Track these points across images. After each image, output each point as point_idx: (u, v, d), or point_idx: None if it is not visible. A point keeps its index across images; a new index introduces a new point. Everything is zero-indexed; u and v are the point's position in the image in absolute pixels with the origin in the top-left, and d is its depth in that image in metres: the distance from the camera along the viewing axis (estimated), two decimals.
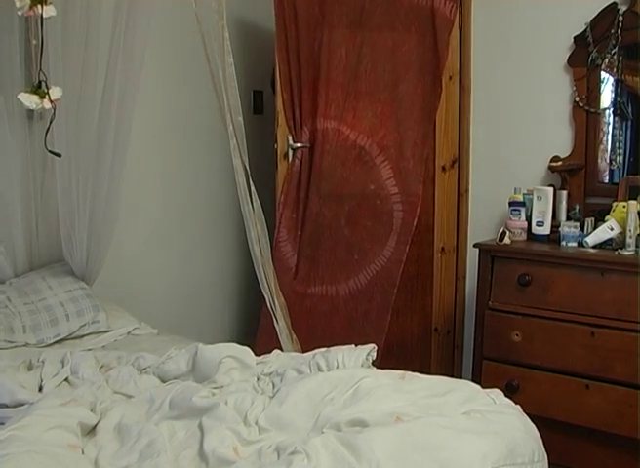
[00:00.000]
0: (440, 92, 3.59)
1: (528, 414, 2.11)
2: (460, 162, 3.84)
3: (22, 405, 2.18)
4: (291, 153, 3.54)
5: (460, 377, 3.54)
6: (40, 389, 2.36)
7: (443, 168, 3.79)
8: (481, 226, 3.76)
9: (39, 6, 1.96)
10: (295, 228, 3.54)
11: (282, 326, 3.00)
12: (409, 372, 2.30)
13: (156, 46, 3.25)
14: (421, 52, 3.53)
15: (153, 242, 3.75)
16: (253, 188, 2.81)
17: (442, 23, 3.51)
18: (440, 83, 3.57)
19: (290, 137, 3.51)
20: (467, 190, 3.87)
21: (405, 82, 3.55)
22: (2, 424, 2.11)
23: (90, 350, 2.81)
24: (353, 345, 2.49)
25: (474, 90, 3.80)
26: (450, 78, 3.70)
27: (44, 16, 1.98)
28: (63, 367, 2.48)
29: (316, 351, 2.50)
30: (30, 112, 2.90)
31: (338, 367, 2.35)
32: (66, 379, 2.42)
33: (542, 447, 2.03)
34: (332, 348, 2.49)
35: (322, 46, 3.46)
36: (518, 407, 2.13)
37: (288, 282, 3.48)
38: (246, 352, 2.49)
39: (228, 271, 4.12)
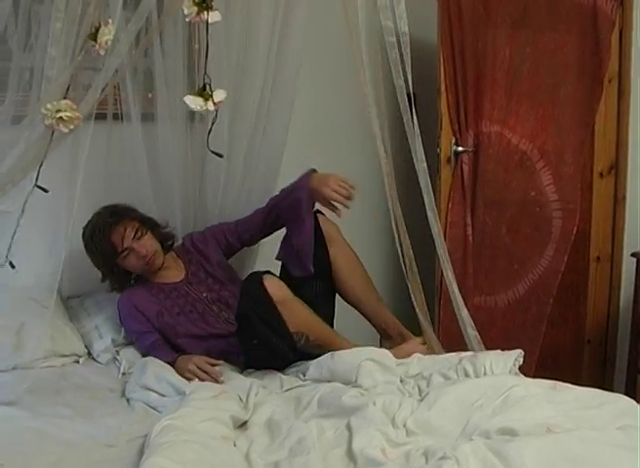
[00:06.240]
0: (600, 95, 3.48)
1: None
2: (617, 168, 3.70)
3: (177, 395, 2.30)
4: (453, 158, 3.41)
5: (612, 391, 3.41)
6: None
7: (600, 174, 3.67)
8: (638, 235, 3.62)
9: (205, 12, 2.03)
10: (464, 236, 3.42)
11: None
12: (560, 382, 2.24)
13: (312, 49, 3.28)
14: (581, 53, 3.43)
15: None
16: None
17: (604, 23, 3.40)
18: (601, 86, 3.46)
19: (453, 141, 3.39)
20: (624, 197, 3.72)
21: (566, 84, 3.45)
22: (159, 412, 2.23)
23: None
24: (499, 350, 2.47)
25: (634, 93, 3.66)
26: (609, 81, 3.57)
27: (209, 21, 2.05)
28: None
29: (462, 355, 2.49)
30: (192, 114, 2.99)
31: (485, 373, 2.33)
32: None
33: None
34: (478, 353, 2.48)
35: (486, 45, 3.38)
36: None
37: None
38: (385, 354, 2.50)
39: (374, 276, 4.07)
